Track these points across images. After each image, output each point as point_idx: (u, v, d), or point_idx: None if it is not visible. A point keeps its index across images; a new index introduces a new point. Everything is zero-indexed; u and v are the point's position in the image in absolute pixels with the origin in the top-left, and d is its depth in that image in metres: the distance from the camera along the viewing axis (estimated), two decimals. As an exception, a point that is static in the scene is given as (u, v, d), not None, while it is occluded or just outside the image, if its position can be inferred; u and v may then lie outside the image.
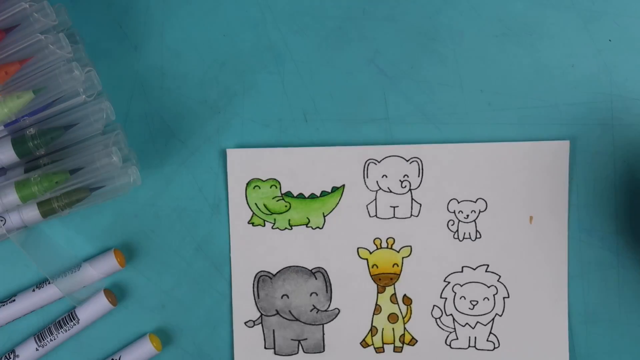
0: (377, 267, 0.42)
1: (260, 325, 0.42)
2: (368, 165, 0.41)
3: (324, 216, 0.41)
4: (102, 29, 0.42)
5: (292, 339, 0.42)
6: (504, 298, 0.41)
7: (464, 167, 0.41)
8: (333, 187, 0.41)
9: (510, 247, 0.41)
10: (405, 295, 0.42)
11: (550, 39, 0.41)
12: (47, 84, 0.37)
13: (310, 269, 0.42)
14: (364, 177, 0.41)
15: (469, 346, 0.42)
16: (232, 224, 0.42)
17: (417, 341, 0.42)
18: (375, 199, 0.41)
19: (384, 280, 0.42)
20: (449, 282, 0.41)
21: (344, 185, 0.41)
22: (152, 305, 0.43)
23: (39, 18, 0.36)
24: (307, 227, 0.42)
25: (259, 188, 0.41)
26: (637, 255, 0.41)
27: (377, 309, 0.42)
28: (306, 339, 0.42)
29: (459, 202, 0.41)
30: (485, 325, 0.41)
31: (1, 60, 0.37)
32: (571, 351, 0.41)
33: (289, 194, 0.41)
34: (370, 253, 0.42)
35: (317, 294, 0.42)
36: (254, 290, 0.42)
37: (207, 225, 0.43)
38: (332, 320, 0.42)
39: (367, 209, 0.41)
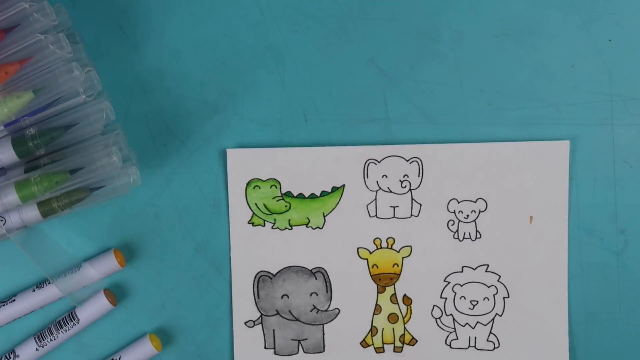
0: (377, 267, 0.42)
1: (261, 325, 0.42)
2: (368, 165, 0.41)
3: (324, 216, 0.41)
4: (102, 29, 0.42)
5: (292, 339, 0.42)
6: (504, 298, 0.41)
7: (464, 167, 0.41)
8: (333, 187, 0.41)
9: (510, 247, 0.41)
10: (405, 295, 0.42)
11: (550, 39, 0.41)
12: (47, 84, 0.37)
13: (310, 269, 0.42)
14: (364, 177, 0.41)
15: (469, 346, 0.42)
16: (232, 224, 0.42)
17: (417, 341, 0.42)
18: (375, 198, 0.41)
19: (384, 280, 0.42)
20: (449, 282, 0.41)
21: (344, 185, 0.41)
22: (152, 305, 0.43)
23: (39, 18, 0.36)
24: (307, 227, 0.42)
25: (259, 188, 0.41)
26: (637, 255, 0.41)
27: (377, 309, 0.42)
28: (306, 339, 0.42)
29: (459, 202, 0.41)
30: (485, 325, 0.41)
31: (1, 60, 0.37)
32: (571, 351, 0.41)
33: (289, 194, 0.41)
34: (370, 253, 0.42)
35: (317, 294, 0.42)
36: (254, 290, 0.42)
37: (207, 225, 0.43)
38: (332, 320, 0.42)
39: (367, 208, 0.41)
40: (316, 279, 0.42)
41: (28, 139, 0.38)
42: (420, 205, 0.41)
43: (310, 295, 0.42)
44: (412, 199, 0.41)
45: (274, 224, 0.42)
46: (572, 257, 0.41)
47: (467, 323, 0.42)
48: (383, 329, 0.42)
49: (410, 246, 0.41)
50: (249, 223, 0.42)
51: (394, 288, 0.42)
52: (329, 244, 0.42)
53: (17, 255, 0.43)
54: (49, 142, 0.38)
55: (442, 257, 0.41)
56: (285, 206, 0.41)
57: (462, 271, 0.41)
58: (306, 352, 0.42)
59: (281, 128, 0.42)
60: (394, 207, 0.41)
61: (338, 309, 0.42)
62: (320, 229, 0.41)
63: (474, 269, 0.41)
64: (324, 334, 0.42)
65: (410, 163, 0.41)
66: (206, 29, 0.42)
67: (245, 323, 0.42)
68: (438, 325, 0.42)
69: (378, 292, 0.42)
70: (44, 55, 0.37)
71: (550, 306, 0.41)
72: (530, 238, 0.41)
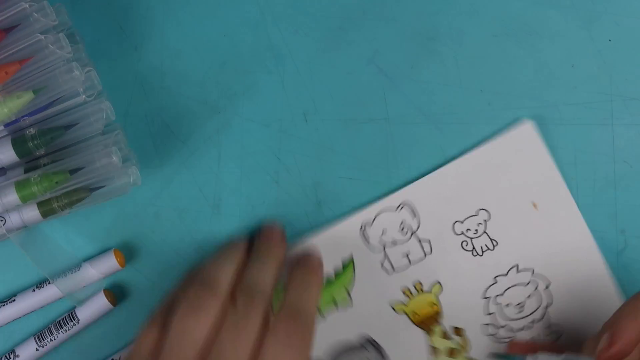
0: (417, 314, 0.42)
1: None
2: (364, 231, 0.41)
3: (348, 292, 0.42)
4: (102, 29, 0.42)
5: None
6: (546, 287, 0.41)
7: (450, 189, 0.41)
8: (343, 263, 0.42)
9: (527, 240, 0.41)
10: (454, 327, 0.42)
11: (550, 39, 0.41)
12: (47, 84, 0.37)
13: (357, 343, 0.42)
14: (365, 243, 0.41)
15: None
16: None
17: None
18: (386, 255, 0.41)
19: (428, 322, 0.42)
20: (489, 297, 0.41)
21: (352, 255, 0.42)
22: (152, 305, 0.43)
23: (39, 18, 0.36)
24: (336, 308, 0.42)
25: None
26: (637, 255, 0.41)
27: (434, 351, 0.42)
28: None
29: (462, 222, 0.41)
30: (541, 319, 0.41)
31: (1, 60, 0.37)
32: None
33: None
34: (406, 305, 0.42)
35: None
36: None
37: (207, 225, 0.43)
38: None
39: (384, 267, 0.41)
40: (367, 349, 0.42)
41: (28, 139, 0.38)
42: (429, 241, 0.41)
43: None
44: (419, 240, 0.41)
45: None
46: (572, 257, 0.41)
47: (523, 326, 0.41)
48: None
49: (438, 281, 0.41)
50: None
51: (441, 325, 0.42)
52: (363, 314, 0.42)
53: (17, 255, 0.43)
54: (49, 142, 0.38)
55: (472, 277, 0.41)
56: None
57: (496, 282, 0.41)
58: None
59: (281, 128, 0.42)
60: (407, 254, 0.41)
61: None
62: (350, 306, 0.42)
63: (506, 274, 0.41)
64: None
65: (400, 210, 0.41)
66: (206, 29, 0.42)
67: None
68: (497, 340, 0.41)
69: (429, 335, 0.42)
70: (44, 55, 0.37)
71: (590, 271, 0.41)
72: (543, 223, 0.41)
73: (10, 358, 0.42)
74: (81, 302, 0.42)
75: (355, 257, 0.42)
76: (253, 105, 0.42)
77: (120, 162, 0.38)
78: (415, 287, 0.42)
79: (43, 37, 0.36)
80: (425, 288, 0.42)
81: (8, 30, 0.37)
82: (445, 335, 0.42)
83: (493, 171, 0.41)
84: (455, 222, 0.41)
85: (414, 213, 0.41)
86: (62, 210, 0.39)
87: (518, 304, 0.41)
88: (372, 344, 0.42)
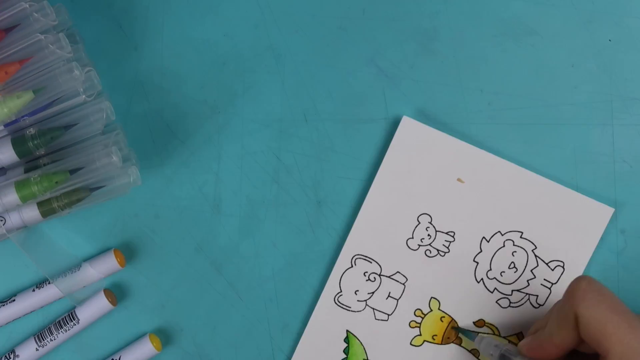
0: (436, 334, 0.42)
1: None
2: (338, 302, 0.42)
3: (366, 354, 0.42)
4: (102, 29, 0.42)
5: None
6: (521, 236, 0.41)
7: (382, 219, 0.41)
8: (345, 341, 0.42)
9: (477, 211, 0.41)
10: (473, 322, 0.41)
11: (550, 39, 0.41)
12: (47, 84, 0.37)
13: None
14: (348, 312, 0.42)
15: (547, 296, 0.41)
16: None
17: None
18: (372, 308, 0.42)
19: (450, 335, 0.41)
20: (481, 278, 0.41)
21: (347, 330, 0.42)
22: (152, 305, 0.43)
23: (39, 18, 0.37)
24: None
25: None
26: (637, 255, 0.41)
27: (475, 352, 0.42)
28: None
29: (412, 237, 0.41)
30: (537, 265, 0.41)
31: (1, 60, 0.37)
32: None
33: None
34: (421, 334, 0.42)
35: None
36: None
37: (207, 225, 0.43)
38: None
39: (378, 319, 0.42)
40: None
41: (28, 139, 0.38)
42: (398, 271, 0.42)
43: None
44: (389, 277, 0.42)
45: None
46: (572, 257, 0.41)
47: (528, 281, 0.41)
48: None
49: (432, 297, 0.41)
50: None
51: (462, 328, 0.41)
52: None
53: (17, 255, 0.43)
54: (49, 142, 0.38)
55: (455, 273, 0.41)
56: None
57: (477, 262, 0.41)
58: None
59: (281, 128, 0.42)
60: (389, 295, 0.42)
61: None
62: None
63: (481, 250, 0.41)
64: None
65: (355, 264, 0.42)
66: (206, 29, 0.42)
67: None
68: (517, 306, 0.41)
69: (461, 345, 0.42)
70: (44, 55, 0.37)
71: (547, 199, 0.40)
72: (477, 188, 0.41)
73: (10, 358, 0.42)
74: (81, 302, 0.42)
75: (351, 329, 0.42)
76: (253, 105, 0.42)
77: (120, 162, 0.38)
78: (417, 315, 0.42)
79: (43, 37, 0.36)
80: (425, 310, 0.42)
81: (8, 30, 0.37)
82: (473, 333, 0.42)
83: (406, 176, 0.41)
84: (407, 240, 0.41)
85: (368, 259, 0.42)
86: (62, 210, 0.39)
87: (510, 267, 0.41)
88: None
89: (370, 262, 0.42)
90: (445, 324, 0.42)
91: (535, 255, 0.41)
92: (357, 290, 0.42)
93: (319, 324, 0.42)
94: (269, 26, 0.42)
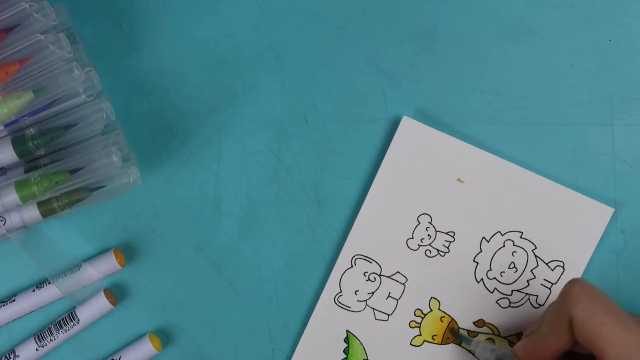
0: (436, 334, 0.42)
1: None
2: (339, 302, 0.42)
3: (366, 354, 0.42)
4: (102, 29, 0.42)
5: None
6: (521, 236, 0.41)
7: (383, 219, 0.41)
8: (345, 341, 0.42)
9: (476, 211, 0.41)
10: (473, 322, 0.41)
11: (550, 39, 0.41)
12: (47, 84, 0.37)
13: None
14: (348, 311, 0.42)
15: (547, 296, 0.41)
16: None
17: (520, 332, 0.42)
18: (372, 308, 0.42)
19: (449, 336, 0.42)
20: (481, 278, 0.41)
21: (347, 330, 0.42)
22: (152, 305, 0.43)
23: (39, 18, 0.37)
24: None
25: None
26: (637, 255, 0.41)
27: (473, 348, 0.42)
28: None
29: (412, 237, 0.41)
30: (537, 265, 0.41)
31: (1, 60, 0.37)
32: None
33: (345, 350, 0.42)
34: (421, 335, 0.42)
35: None
36: None
37: (207, 225, 0.43)
38: None
39: (378, 319, 0.42)
40: None
41: (28, 139, 0.38)
42: (398, 271, 0.42)
43: None
44: (389, 277, 0.42)
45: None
46: (572, 257, 0.41)
47: (528, 281, 0.41)
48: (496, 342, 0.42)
49: (432, 297, 0.41)
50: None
51: (462, 329, 0.41)
52: None
53: (17, 255, 0.43)
54: (49, 142, 0.38)
55: (455, 273, 0.41)
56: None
57: (477, 262, 0.41)
58: None
59: (281, 128, 0.42)
60: (389, 295, 0.42)
61: None
62: None
63: (480, 250, 0.41)
64: None
65: (355, 264, 0.42)
66: (206, 29, 0.42)
67: None
68: (517, 306, 0.41)
69: (459, 345, 0.41)
70: (44, 55, 0.37)
71: (547, 199, 0.40)
72: (476, 188, 0.41)
73: (10, 358, 0.42)
74: (81, 302, 0.42)
75: (351, 329, 0.42)
76: (253, 105, 0.42)
77: (120, 162, 0.38)
78: (417, 315, 0.42)
79: (43, 37, 0.36)
80: (425, 310, 0.42)
81: (8, 30, 0.37)
82: (471, 335, 0.41)
83: (406, 176, 0.41)
84: (407, 240, 0.41)
85: (368, 259, 0.42)
86: (62, 210, 0.39)
87: (510, 267, 0.41)
88: None
89: (370, 262, 0.42)
90: (445, 324, 0.42)
91: (535, 255, 0.41)
92: (357, 290, 0.42)
93: (319, 324, 0.42)
94: (269, 26, 0.42)
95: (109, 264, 0.42)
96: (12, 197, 0.38)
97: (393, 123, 0.42)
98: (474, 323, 0.41)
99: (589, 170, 0.41)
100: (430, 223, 0.41)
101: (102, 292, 0.42)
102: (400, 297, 0.42)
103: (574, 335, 0.33)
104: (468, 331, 0.41)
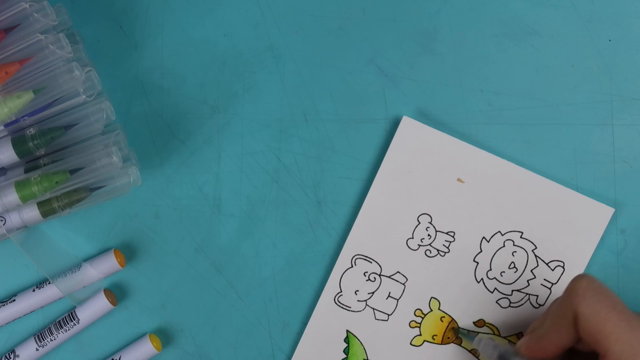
0: (436, 334, 0.42)
1: None
2: (339, 302, 0.42)
3: (367, 355, 0.42)
4: (102, 29, 0.43)
5: None
6: (521, 236, 0.41)
7: (383, 219, 0.41)
8: (345, 341, 0.42)
9: (476, 211, 0.41)
10: (473, 322, 0.42)
11: (550, 39, 0.41)
12: (47, 84, 0.37)
13: None
14: (348, 311, 0.42)
15: (547, 296, 0.41)
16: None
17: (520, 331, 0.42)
18: (373, 308, 0.42)
19: (450, 335, 0.42)
20: (481, 278, 0.41)
21: (347, 330, 0.42)
22: (152, 305, 0.43)
23: (39, 18, 0.37)
24: None
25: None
26: (637, 255, 0.41)
27: (475, 352, 0.42)
28: None
29: (412, 237, 0.41)
30: (537, 265, 0.41)
31: (1, 60, 0.37)
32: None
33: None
34: (421, 334, 0.42)
35: None
36: None
37: (207, 225, 0.43)
38: None
39: (378, 319, 0.42)
40: None
41: (28, 139, 0.38)
42: (398, 271, 0.42)
43: None
44: (389, 276, 0.42)
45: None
46: (572, 257, 0.41)
47: (528, 281, 0.41)
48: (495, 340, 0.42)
49: (432, 297, 0.41)
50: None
51: (462, 329, 0.41)
52: None
53: (17, 255, 0.43)
54: (49, 142, 0.38)
55: (455, 273, 0.41)
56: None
57: (477, 262, 0.41)
58: None
59: (281, 128, 0.42)
60: (389, 295, 0.42)
61: None
62: None
63: (481, 250, 0.41)
64: None
65: (355, 264, 0.42)
66: (206, 29, 0.42)
67: None
68: (517, 306, 0.41)
69: (461, 345, 0.42)
70: (44, 55, 0.37)
71: (546, 199, 0.40)
72: (477, 189, 0.41)
73: (10, 358, 0.42)
74: (81, 302, 0.42)
75: (351, 329, 0.42)
76: (253, 105, 0.42)
77: (120, 162, 0.38)
78: (417, 315, 0.42)
79: (43, 37, 0.36)
80: (425, 310, 0.42)
81: (8, 30, 0.37)
82: (472, 334, 0.41)
83: (406, 176, 0.41)
84: (407, 240, 0.41)
85: (368, 259, 0.42)
86: (62, 210, 0.39)
87: (510, 267, 0.41)
88: None
89: (370, 262, 0.42)
90: (445, 324, 0.42)
91: (536, 255, 0.41)
92: (357, 290, 0.42)
93: (319, 324, 0.42)
94: (269, 26, 0.42)
95: (109, 264, 0.42)
96: (12, 197, 0.38)
97: (393, 123, 0.42)
98: (474, 323, 0.41)
99: (589, 170, 0.41)
100: (430, 223, 0.41)
101: (102, 292, 0.42)
102: (400, 297, 0.42)
103: (578, 331, 0.33)
104: (468, 331, 0.41)
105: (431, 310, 0.42)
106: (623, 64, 0.41)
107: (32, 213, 0.39)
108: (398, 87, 0.42)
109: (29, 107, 0.37)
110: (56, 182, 0.38)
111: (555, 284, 0.41)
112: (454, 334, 0.42)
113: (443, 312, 0.41)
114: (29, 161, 0.39)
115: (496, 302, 0.41)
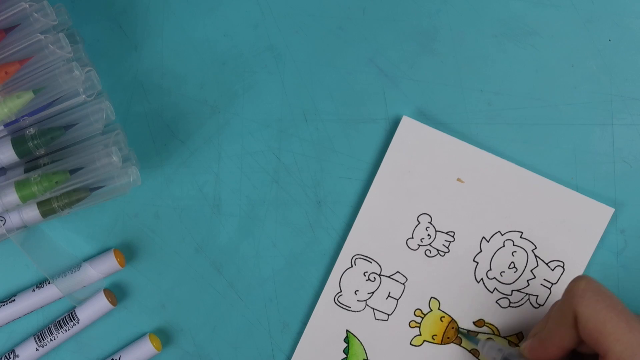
0: (436, 334, 0.42)
1: None
2: (338, 302, 0.42)
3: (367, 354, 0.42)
4: (102, 29, 0.43)
5: None
6: (521, 236, 0.41)
7: (383, 218, 0.41)
8: (345, 341, 0.42)
9: (476, 210, 0.41)
10: (473, 322, 0.41)
11: (550, 39, 0.41)
12: (47, 84, 0.37)
13: None
14: (348, 311, 0.42)
15: (547, 296, 0.41)
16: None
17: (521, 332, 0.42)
18: (372, 308, 0.42)
19: (450, 335, 0.42)
20: (481, 278, 0.41)
21: (347, 330, 0.42)
22: (152, 305, 0.43)
23: (39, 18, 0.37)
24: None
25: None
26: (637, 255, 0.41)
27: (475, 352, 0.42)
28: None
29: (412, 237, 0.41)
30: (537, 265, 0.41)
31: (1, 60, 0.37)
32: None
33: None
34: (421, 334, 0.42)
35: None
36: None
37: (207, 225, 0.43)
38: None
39: (378, 319, 0.42)
40: None
41: (28, 139, 0.38)
42: (398, 271, 0.42)
43: None
44: (388, 276, 0.42)
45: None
46: (572, 257, 0.41)
47: (528, 281, 0.41)
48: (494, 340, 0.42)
49: (432, 297, 0.41)
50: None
51: (462, 328, 0.41)
52: None
53: (17, 255, 0.43)
54: (49, 142, 0.38)
55: (455, 273, 0.41)
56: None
57: (477, 262, 0.41)
58: None
59: (281, 128, 0.42)
60: (389, 295, 0.42)
61: None
62: None
63: (480, 250, 0.41)
64: None
65: (355, 263, 0.42)
66: (206, 29, 0.42)
67: None
68: (517, 306, 0.41)
69: (459, 345, 0.41)
70: (44, 55, 0.37)
71: (545, 200, 0.40)
72: (476, 188, 0.41)
73: (10, 358, 0.42)
74: (81, 302, 0.42)
75: (351, 329, 0.42)
76: (253, 105, 0.42)
77: (120, 162, 0.38)
78: (417, 315, 0.42)
79: (43, 37, 0.37)
80: (425, 310, 0.42)
81: (8, 30, 0.37)
82: (472, 334, 0.41)
83: (406, 176, 0.41)
84: (407, 239, 0.41)
85: (368, 259, 0.42)
86: (62, 210, 0.39)
87: (510, 267, 0.41)
88: None
89: (370, 262, 0.42)
90: (445, 324, 0.42)
91: (535, 255, 0.41)
92: (357, 290, 0.42)
93: (319, 324, 0.42)
94: (269, 26, 0.42)
95: (108, 264, 0.42)
96: (12, 197, 0.38)
97: (393, 123, 0.42)
98: (473, 323, 0.41)
99: (589, 170, 0.41)
100: (430, 223, 0.41)
101: (102, 292, 0.42)
102: (400, 297, 0.42)
103: (579, 332, 0.33)
104: (468, 331, 0.41)
105: (431, 310, 0.42)
106: (623, 64, 0.41)
107: (32, 213, 0.39)
108: (398, 87, 0.42)
109: (28, 107, 0.37)
110: (56, 182, 0.38)
111: (555, 284, 0.41)
112: (455, 333, 0.42)
113: (443, 312, 0.41)
114: (29, 161, 0.39)
115: (496, 302, 0.41)
